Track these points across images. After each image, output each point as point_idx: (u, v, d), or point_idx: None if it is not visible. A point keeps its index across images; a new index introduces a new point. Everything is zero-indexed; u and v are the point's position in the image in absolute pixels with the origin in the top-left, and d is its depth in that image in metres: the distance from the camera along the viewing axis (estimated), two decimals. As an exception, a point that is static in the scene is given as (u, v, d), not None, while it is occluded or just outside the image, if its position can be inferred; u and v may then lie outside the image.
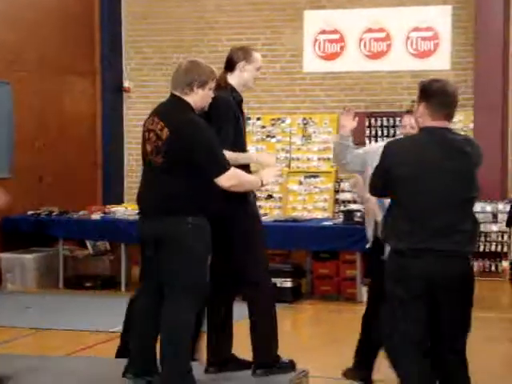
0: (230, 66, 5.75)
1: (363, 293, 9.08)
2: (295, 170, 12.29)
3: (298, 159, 12.24)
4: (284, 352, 5.88)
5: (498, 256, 11.06)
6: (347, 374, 5.98)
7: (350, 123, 5.97)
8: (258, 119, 12.15)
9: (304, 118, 12.26)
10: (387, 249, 5.01)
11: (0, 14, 10.77)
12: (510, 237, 11.12)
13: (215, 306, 5.73)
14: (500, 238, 11.07)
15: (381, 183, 4.72)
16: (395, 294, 4.65)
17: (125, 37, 12.88)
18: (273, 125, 12.26)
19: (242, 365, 5.82)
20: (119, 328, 8.03)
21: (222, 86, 5.68)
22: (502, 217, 10.76)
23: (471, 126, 11.52)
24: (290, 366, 5.90)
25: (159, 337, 5.19)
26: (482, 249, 10.97)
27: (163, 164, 5.11)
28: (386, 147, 4.75)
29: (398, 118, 11.59)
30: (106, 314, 8.66)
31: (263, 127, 12.24)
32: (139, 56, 12.89)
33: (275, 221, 10.46)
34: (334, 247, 10.00)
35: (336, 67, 12.20)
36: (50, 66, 11.45)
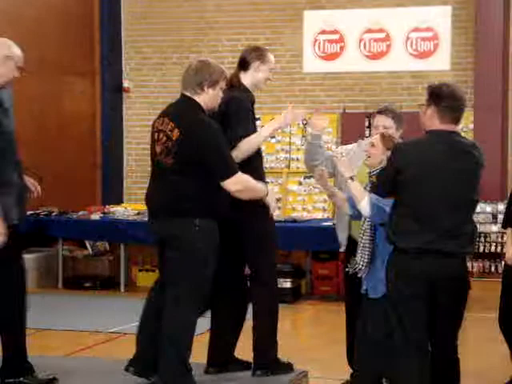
0: (244, 65, 5.72)
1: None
2: (295, 170, 12.29)
3: (297, 160, 12.22)
4: (283, 352, 5.88)
5: (497, 257, 11.03)
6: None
7: (321, 122, 5.88)
8: (258, 119, 12.13)
9: (304, 119, 12.23)
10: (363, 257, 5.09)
11: (0, 13, 10.78)
12: (502, 237, 11.07)
13: (222, 306, 5.72)
14: (500, 239, 11.05)
15: (388, 184, 4.78)
16: (398, 293, 4.70)
17: (124, 37, 12.87)
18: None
19: (242, 365, 5.81)
20: (118, 328, 8.04)
21: (235, 85, 5.65)
22: (502, 217, 10.74)
23: (471, 126, 11.51)
24: (289, 366, 5.90)
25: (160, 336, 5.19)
26: (481, 249, 10.96)
27: (173, 165, 5.09)
28: (395, 149, 4.82)
29: (397, 119, 11.59)
30: (105, 315, 8.66)
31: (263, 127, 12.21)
32: (139, 56, 12.88)
33: (275, 221, 10.43)
34: (334, 248, 9.96)
35: (336, 67, 12.19)
36: (49, 66, 11.44)
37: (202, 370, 5.73)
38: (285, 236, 10.10)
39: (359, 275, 5.30)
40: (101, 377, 5.95)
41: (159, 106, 12.65)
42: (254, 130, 5.63)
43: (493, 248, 11.20)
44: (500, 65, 11.47)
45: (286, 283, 9.89)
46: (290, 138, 12.31)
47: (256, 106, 5.80)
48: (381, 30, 12.03)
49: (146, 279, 11.07)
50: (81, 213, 10.98)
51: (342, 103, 12.08)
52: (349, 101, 11.93)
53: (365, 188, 5.21)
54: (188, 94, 5.21)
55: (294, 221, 10.70)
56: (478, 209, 10.55)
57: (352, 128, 11.66)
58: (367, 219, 5.21)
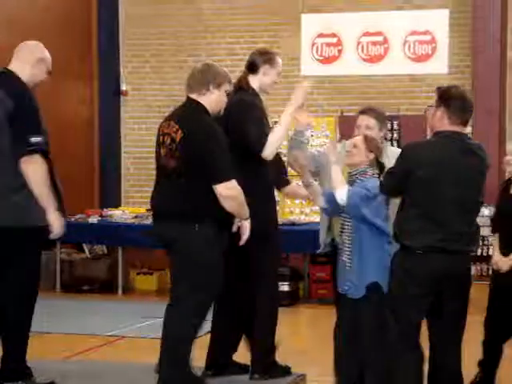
0: (252, 68, 5.71)
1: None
2: (293, 173, 12.25)
3: (295, 163, 12.21)
4: (281, 355, 5.88)
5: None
6: None
7: (304, 118, 5.86)
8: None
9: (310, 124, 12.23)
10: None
11: (-3, 17, 10.78)
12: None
13: (223, 309, 5.71)
14: (497, 242, 11.03)
15: (397, 184, 4.85)
16: (403, 292, 4.78)
17: (122, 40, 12.87)
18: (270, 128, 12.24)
19: (239, 369, 5.82)
20: (116, 331, 8.03)
21: (244, 88, 5.64)
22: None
23: (468, 129, 11.50)
24: (287, 370, 5.90)
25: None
26: (479, 253, 10.94)
27: (176, 168, 5.11)
28: (404, 150, 4.91)
29: (395, 122, 11.60)
30: (103, 318, 8.65)
31: (261, 131, 12.22)
32: (137, 59, 12.88)
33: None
34: (332, 251, 9.97)
35: (334, 71, 12.19)
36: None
37: (200, 372, 5.73)
38: (282, 239, 10.13)
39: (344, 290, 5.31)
40: (99, 380, 5.95)
41: (157, 109, 12.75)
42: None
43: (491, 251, 11.17)
44: (497, 68, 11.48)
45: (284, 286, 9.89)
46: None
47: (254, 109, 5.81)
48: (378, 34, 12.04)
49: (144, 282, 11.08)
50: (78, 216, 10.98)
51: (339, 106, 12.08)
52: (346, 104, 11.93)
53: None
54: (193, 96, 5.23)
55: (292, 224, 10.70)
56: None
57: (350, 131, 11.61)
58: (346, 220, 5.24)
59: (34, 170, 5.27)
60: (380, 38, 12.05)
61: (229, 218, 5.16)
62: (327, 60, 12.23)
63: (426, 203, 4.75)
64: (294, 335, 8.76)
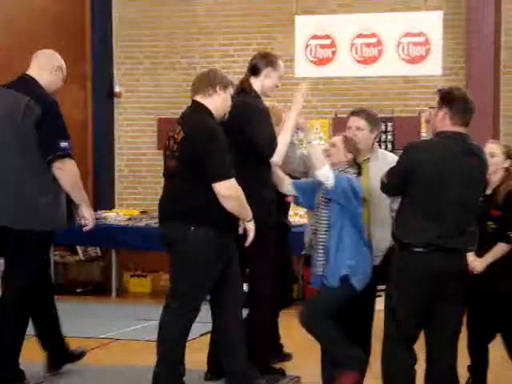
0: (254, 70, 5.73)
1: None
2: (287, 175, 12.26)
3: (289, 165, 12.21)
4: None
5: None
6: None
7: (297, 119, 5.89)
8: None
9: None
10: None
11: (-10, 19, 10.76)
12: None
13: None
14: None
15: (398, 183, 4.90)
16: (400, 289, 4.85)
17: (115, 42, 12.85)
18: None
19: None
20: (110, 334, 8.01)
21: (247, 91, 5.66)
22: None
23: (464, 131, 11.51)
24: (282, 372, 5.90)
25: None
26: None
27: (176, 168, 5.16)
28: (406, 149, 4.95)
29: (389, 124, 11.60)
30: (97, 320, 8.64)
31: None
32: (130, 61, 12.86)
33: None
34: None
35: (328, 72, 12.19)
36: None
37: (200, 376, 5.74)
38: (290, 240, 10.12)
39: (318, 272, 5.39)
40: (92, 382, 5.93)
41: (151, 111, 12.74)
42: None
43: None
44: (491, 70, 11.49)
45: (278, 288, 9.86)
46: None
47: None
48: (372, 35, 12.04)
49: (138, 285, 11.05)
50: (72, 218, 10.94)
51: (333, 108, 12.08)
52: (340, 106, 11.93)
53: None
54: (198, 98, 5.26)
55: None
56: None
57: (343, 133, 11.64)
58: (323, 211, 5.27)
59: (67, 175, 5.52)
60: (374, 40, 12.05)
61: (231, 219, 5.14)
62: (321, 62, 12.23)
63: (427, 202, 4.79)
64: (288, 337, 8.74)
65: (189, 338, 7.72)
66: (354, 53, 12.10)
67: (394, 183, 4.97)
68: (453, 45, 11.83)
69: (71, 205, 5.84)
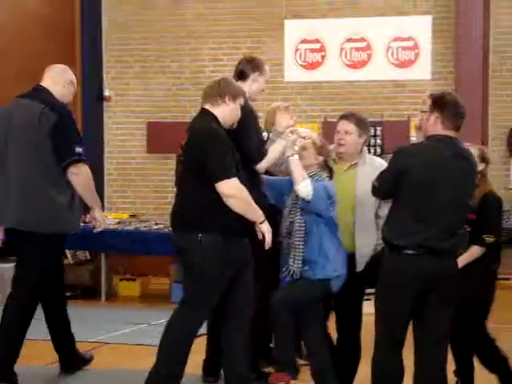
0: (242, 75, 5.77)
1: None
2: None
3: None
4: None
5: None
6: None
7: (286, 120, 5.92)
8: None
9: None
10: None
11: (-21, 23, 10.75)
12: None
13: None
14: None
15: (389, 186, 4.94)
16: (390, 291, 4.87)
17: (105, 46, 12.85)
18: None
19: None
20: (99, 338, 7.99)
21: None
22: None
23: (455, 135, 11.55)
24: (266, 377, 5.91)
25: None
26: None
27: (182, 173, 5.17)
28: (396, 153, 4.99)
29: (379, 128, 11.63)
30: (86, 324, 8.61)
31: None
32: (120, 65, 12.86)
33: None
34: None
35: (317, 76, 12.22)
36: (29, 75, 11.37)
37: (198, 378, 5.76)
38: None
39: (288, 279, 5.42)
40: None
41: (140, 114, 12.74)
42: None
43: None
44: (480, 74, 11.54)
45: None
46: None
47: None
48: (362, 40, 12.07)
49: (127, 288, 11.03)
50: (61, 222, 10.92)
51: (323, 112, 12.10)
52: (330, 110, 11.95)
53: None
54: (207, 107, 5.27)
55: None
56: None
57: (333, 137, 11.65)
58: (298, 216, 5.31)
59: (81, 179, 5.82)
60: (363, 44, 12.08)
61: (240, 224, 5.13)
62: (310, 66, 12.26)
63: (417, 205, 4.83)
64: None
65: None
66: (343, 57, 12.14)
67: (384, 187, 5.01)
68: (442, 49, 11.88)
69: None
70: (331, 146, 5.83)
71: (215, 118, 5.20)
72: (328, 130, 11.98)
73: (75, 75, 6.22)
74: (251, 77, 5.78)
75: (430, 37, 11.89)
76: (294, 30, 12.27)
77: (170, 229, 5.52)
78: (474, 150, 5.60)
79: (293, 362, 5.54)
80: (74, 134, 5.86)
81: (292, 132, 5.64)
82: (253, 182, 5.50)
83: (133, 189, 12.63)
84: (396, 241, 4.85)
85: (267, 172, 5.86)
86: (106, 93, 12.78)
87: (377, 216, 5.60)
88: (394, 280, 4.86)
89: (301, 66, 12.30)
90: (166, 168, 12.15)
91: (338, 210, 5.57)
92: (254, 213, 5.15)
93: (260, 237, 5.19)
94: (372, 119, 11.62)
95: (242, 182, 5.12)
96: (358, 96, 12.03)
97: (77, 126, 5.98)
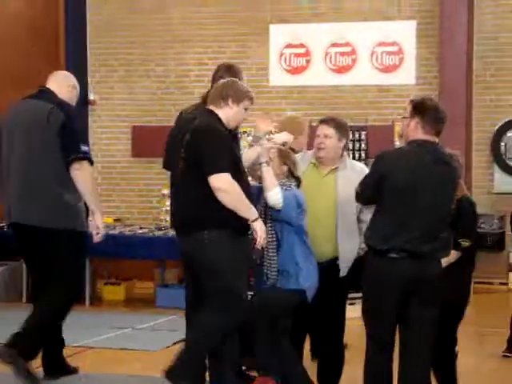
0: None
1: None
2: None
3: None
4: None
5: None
6: None
7: (265, 125, 5.93)
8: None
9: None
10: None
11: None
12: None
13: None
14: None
15: (372, 192, 4.99)
16: (374, 294, 4.92)
17: (90, 49, 12.83)
18: (239, 138, 12.25)
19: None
20: (83, 342, 7.96)
21: None
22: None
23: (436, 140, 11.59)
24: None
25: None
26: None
27: (182, 172, 5.17)
28: (377, 158, 5.05)
29: (363, 132, 11.65)
30: (71, 328, 8.58)
31: (229, 140, 12.22)
32: (104, 69, 12.84)
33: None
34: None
35: (302, 81, 12.24)
36: (13, 79, 11.35)
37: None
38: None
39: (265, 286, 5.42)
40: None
41: (125, 118, 12.72)
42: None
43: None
44: (464, 79, 11.59)
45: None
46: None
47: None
48: (346, 44, 12.10)
49: (112, 293, 11.00)
50: (45, 226, 10.89)
51: (307, 117, 12.10)
52: (315, 114, 11.95)
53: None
54: (211, 107, 5.26)
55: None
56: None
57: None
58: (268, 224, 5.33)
59: (83, 176, 5.89)
60: (348, 49, 12.12)
61: (242, 221, 5.13)
62: (295, 70, 12.28)
63: (399, 210, 4.87)
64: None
65: (162, 347, 7.72)
66: (328, 62, 12.16)
67: (367, 192, 5.06)
68: (426, 54, 11.93)
69: None
70: (311, 151, 5.87)
71: (219, 119, 5.20)
72: (313, 134, 12.01)
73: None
74: None
75: (414, 42, 11.94)
76: (279, 34, 12.29)
77: (173, 232, 5.50)
78: None
79: (276, 366, 5.52)
80: (80, 132, 6.08)
81: (268, 140, 5.65)
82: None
83: (117, 193, 12.61)
84: (378, 245, 4.88)
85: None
86: (91, 97, 12.76)
87: (359, 220, 5.62)
88: (377, 284, 4.89)
89: (286, 70, 12.32)
90: (151, 172, 12.14)
91: (319, 214, 5.57)
92: (246, 210, 5.11)
93: (254, 235, 5.17)
94: (356, 124, 11.68)
95: (245, 182, 5.13)
96: (343, 100, 12.06)
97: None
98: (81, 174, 5.89)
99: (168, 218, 9.70)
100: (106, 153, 12.73)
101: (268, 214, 5.43)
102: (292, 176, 5.53)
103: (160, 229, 10.60)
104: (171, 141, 5.68)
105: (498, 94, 11.88)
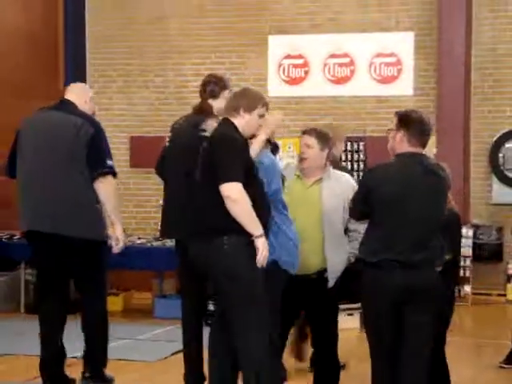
0: (213, 94, 5.87)
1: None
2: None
3: (262, 183, 12.24)
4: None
5: (460, 281, 11.10)
6: None
7: (273, 119, 5.95)
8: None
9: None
10: None
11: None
12: (464, 261, 11.18)
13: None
14: (462, 263, 11.12)
15: (362, 205, 5.02)
16: (370, 305, 4.94)
17: (89, 60, 12.85)
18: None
19: None
20: (82, 353, 7.96)
21: (213, 115, 5.78)
22: (465, 241, 10.82)
23: (434, 151, 11.60)
24: None
25: None
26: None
27: (200, 179, 5.16)
28: (366, 173, 5.09)
29: (361, 143, 11.67)
30: (68, 340, 8.58)
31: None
32: (103, 79, 12.86)
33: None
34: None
35: (300, 92, 12.26)
36: (13, 90, 11.38)
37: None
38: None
39: None
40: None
41: (124, 128, 12.73)
42: None
43: (468, 273, 11.28)
44: (462, 90, 11.61)
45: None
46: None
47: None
48: (345, 55, 12.13)
49: (110, 303, 10.93)
50: (44, 236, 10.88)
51: (306, 127, 12.10)
52: (313, 125, 11.94)
53: None
54: (227, 116, 5.29)
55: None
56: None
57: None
58: None
59: (107, 190, 6.06)
60: (346, 60, 12.14)
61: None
62: (294, 81, 12.30)
63: (389, 221, 4.90)
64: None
65: (160, 358, 7.72)
66: (326, 72, 12.19)
67: (358, 207, 5.10)
68: (424, 65, 11.95)
69: None
70: (293, 165, 5.92)
71: (235, 127, 5.22)
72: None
73: (59, 89, 6.33)
74: (221, 95, 5.90)
75: (412, 53, 11.97)
76: (278, 45, 12.32)
77: (171, 243, 5.47)
78: None
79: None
80: (107, 147, 6.17)
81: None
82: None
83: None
84: (369, 258, 4.91)
85: None
86: (90, 107, 12.75)
87: (348, 230, 5.64)
88: (372, 296, 4.92)
89: (284, 81, 12.34)
90: (149, 182, 12.14)
91: (305, 226, 5.54)
92: (251, 224, 5.03)
93: (256, 252, 5.06)
94: (355, 135, 11.71)
95: (260, 192, 5.11)
96: (341, 111, 12.08)
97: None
98: (104, 186, 6.03)
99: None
100: (104, 163, 12.72)
101: None
102: (268, 142, 5.58)
103: (158, 239, 10.60)
104: (167, 153, 5.77)
105: (496, 105, 11.90)
